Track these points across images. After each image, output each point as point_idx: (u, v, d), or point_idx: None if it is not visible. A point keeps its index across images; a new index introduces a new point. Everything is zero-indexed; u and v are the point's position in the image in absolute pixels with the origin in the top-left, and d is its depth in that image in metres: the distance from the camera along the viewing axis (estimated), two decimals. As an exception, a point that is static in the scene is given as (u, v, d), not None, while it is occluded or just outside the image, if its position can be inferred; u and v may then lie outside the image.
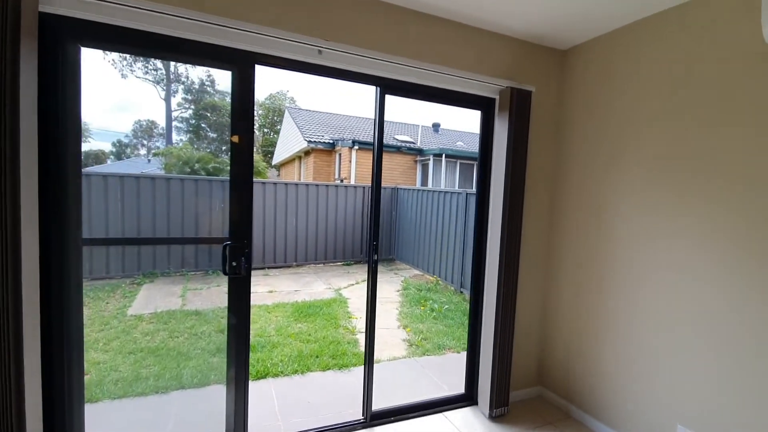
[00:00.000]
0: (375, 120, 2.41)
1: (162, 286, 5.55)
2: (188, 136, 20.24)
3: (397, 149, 11.78)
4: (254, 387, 3.00)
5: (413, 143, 12.74)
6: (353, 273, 7.53)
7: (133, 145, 20.94)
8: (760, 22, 1.73)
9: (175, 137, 20.79)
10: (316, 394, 2.99)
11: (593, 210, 2.62)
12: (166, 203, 5.98)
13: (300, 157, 14.23)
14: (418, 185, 11.76)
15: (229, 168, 2.06)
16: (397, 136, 12.78)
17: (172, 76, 20.85)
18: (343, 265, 8.20)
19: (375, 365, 2.53)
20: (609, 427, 2.47)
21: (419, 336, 4.38)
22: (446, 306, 5.54)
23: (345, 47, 2.08)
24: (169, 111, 20.62)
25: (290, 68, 2.13)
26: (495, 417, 2.67)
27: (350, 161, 11.17)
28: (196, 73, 20.91)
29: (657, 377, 2.21)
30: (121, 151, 20.00)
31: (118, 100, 26.80)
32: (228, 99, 2.07)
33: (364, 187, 8.57)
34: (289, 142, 14.78)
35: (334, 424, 2.48)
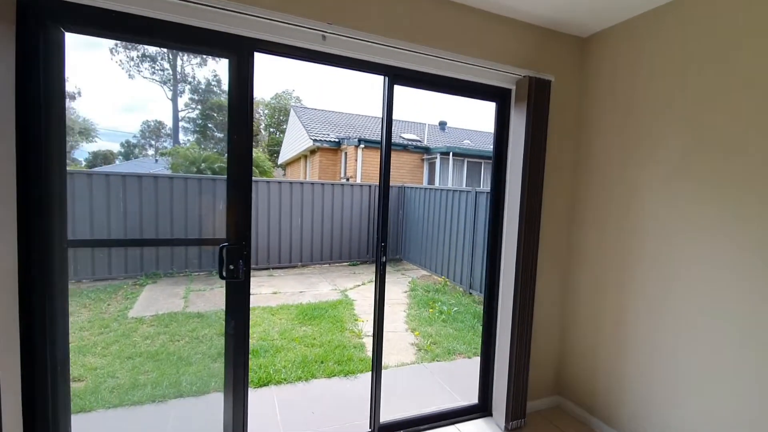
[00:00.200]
0: (383, 112, 2.24)
1: (165, 287, 5.45)
2: (195, 136, 20.30)
3: (404, 148, 11.61)
4: (256, 395, 2.87)
5: (420, 142, 12.56)
6: (359, 273, 7.38)
7: (141, 145, 21.05)
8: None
9: (182, 137, 20.86)
10: (321, 403, 2.84)
11: (617, 207, 2.43)
12: (169, 203, 5.88)
13: (306, 156, 14.12)
14: (425, 184, 11.58)
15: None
16: (403, 135, 12.61)
17: (178, 77, 20.91)
18: (349, 265, 8.06)
19: (383, 371, 2.37)
20: (636, 442, 2.29)
21: (428, 340, 4.21)
22: (455, 308, 5.37)
23: (351, 32, 1.92)
24: (175, 111, 20.69)
25: (292, 56, 1.97)
26: (511, 430, 2.50)
27: (356, 160, 11.03)
28: (203, 73, 20.96)
29: (685, 389, 2.03)
30: (129, 151, 20.11)
31: (127, 100, 26.99)
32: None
33: (370, 186, 8.42)
34: (294, 141, 14.68)
35: (340, 438, 2.33)
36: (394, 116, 2.25)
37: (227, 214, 1.92)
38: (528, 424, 2.58)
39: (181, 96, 21.21)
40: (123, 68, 18.91)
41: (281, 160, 18.20)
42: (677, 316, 2.10)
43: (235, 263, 1.90)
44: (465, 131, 15.72)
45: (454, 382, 3.28)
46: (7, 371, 1.44)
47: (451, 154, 11.15)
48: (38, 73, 1.55)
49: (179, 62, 20.65)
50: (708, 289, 1.97)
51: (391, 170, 2.29)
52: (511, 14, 2.36)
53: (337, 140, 12.08)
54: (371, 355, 2.38)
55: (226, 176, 1.90)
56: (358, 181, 10.61)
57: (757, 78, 1.78)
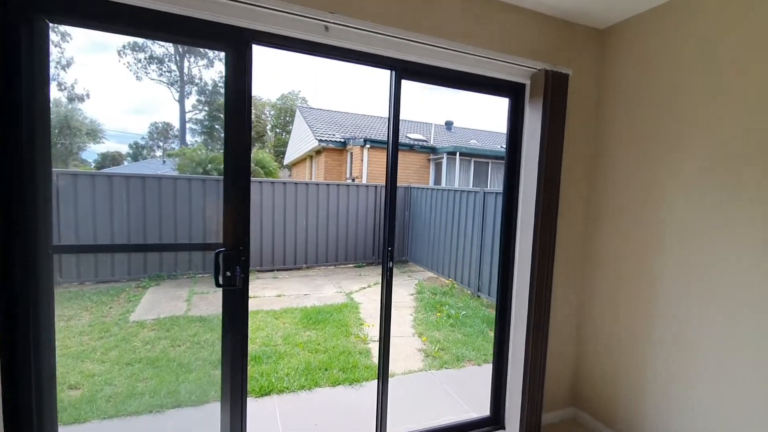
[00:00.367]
0: (390, 109, 2.11)
1: (168, 290, 5.37)
2: (202, 137, 20.35)
3: (410, 147, 11.48)
4: (257, 405, 2.75)
5: (426, 141, 12.42)
6: (365, 275, 7.26)
7: (149, 146, 21.14)
8: None
9: (189, 138, 20.94)
10: (325, 413, 2.72)
11: (638, 209, 2.28)
12: (173, 204, 5.81)
13: (311, 157, 14.04)
14: (431, 184, 11.44)
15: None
16: (409, 135, 12.48)
17: (185, 78, 21.00)
18: (355, 267, 7.94)
19: (389, 379, 2.25)
20: (661, 461, 2.14)
21: (436, 346, 4.07)
22: (463, 312, 5.22)
23: (355, 22, 1.79)
24: (182, 112, 20.77)
25: (292, 48, 1.85)
26: (526, 445, 2.36)
27: (362, 160, 10.92)
28: (210, 74, 21.03)
29: (713, 402, 1.87)
30: (137, 152, 20.20)
31: (135, 102, 27.17)
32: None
33: (376, 187, 8.30)
34: (300, 141, 14.62)
35: (344, 453, 2.20)
36: (400, 116, 2.12)
37: (224, 217, 1.81)
38: (543, 439, 2.44)
39: (188, 97, 21.31)
40: (131, 70, 19.02)
41: (287, 160, 18.17)
42: (704, 323, 1.94)
43: (232, 270, 1.79)
44: (471, 131, 15.56)
45: (464, 391, 3.14)
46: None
47: (457, 154, 11.00)
48: (20, 68, 1.45)
49: (186, 64, 20.73)
50: (742, 294, 1.81)
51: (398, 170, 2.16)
52: (525, 4, 2.22)
53: (342, 140, 11.98)
54: (377, 363, 2.25)
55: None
56: (364, 181, 10.49)
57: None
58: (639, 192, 2.29)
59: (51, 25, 1.51)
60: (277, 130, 25.27)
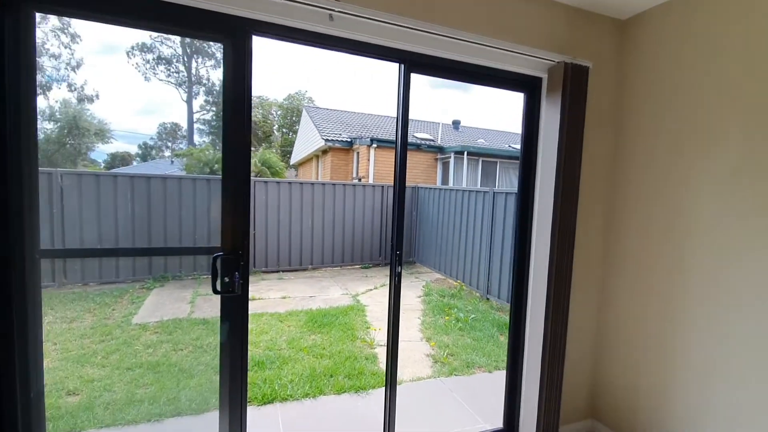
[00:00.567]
0: (398, 105, 1.98)
1: (172, 291, 5.30)
2: (210, 137, 20.42)
3: (417, 147, 11.35)
4: (259, 413, 2.65)
5: (433, 141, 12.27)
6: (371, 277, 7.14)
7: (158, 147, 21.27)
8: None
9: (197, 139, 21.03)
10: (329, 422, 2.61)
11: (663, 208, 2.13)
12: (178, 204, 5.75)
13: (317, 156, 13.97)
14: (438, 184, 11.29)
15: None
16: (416, 134, 12.34)
17: (193, 79, 21.10)
18: (361, 268, 7.83)
19: (397, 387, 2.13)
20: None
21: (445, 351, 3.94)
22: (472, 315, 5.08)
23: (362, 10, 1.68)
24: (190, 113, 20.87)
25: (295, 40, 1.74)
26: (542, 461, 2.22)
27: (368, 160, 10.81)
28: (217, 75, 21.12)
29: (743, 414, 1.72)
30: (146, 153, 20.33)
31: (144, 102, 27.38)
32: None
33: (382, 186, 8.18)
34: (306, 141, 14.55)
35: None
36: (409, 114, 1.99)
37: (222, 219, 1.71)
38: (560, 454, 2.30)
39: (196, 98, 21.41)
40: (139, 71, 19.15)
41: (293, 160, 18.13)
42: (736, 331, 1.79)
43: (231, 275, 1.69)
44: (479, 130, 15.37)
45: (475, 400, 3.01)
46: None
47: (465, 153, 10.85)
48: (2, 59, 1.35)
49: (194, 64, 20.82)
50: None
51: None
52: (542, -8, 2.09)
53: (349, 140, 11.88)
54: (385, 369, 2.13)
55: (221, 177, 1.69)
56: (371, 181, 10.38)
57: None
58: (664, 192, 2.14)
59: (47, 16, 1.42)
60: (284, 130, 25.29)
